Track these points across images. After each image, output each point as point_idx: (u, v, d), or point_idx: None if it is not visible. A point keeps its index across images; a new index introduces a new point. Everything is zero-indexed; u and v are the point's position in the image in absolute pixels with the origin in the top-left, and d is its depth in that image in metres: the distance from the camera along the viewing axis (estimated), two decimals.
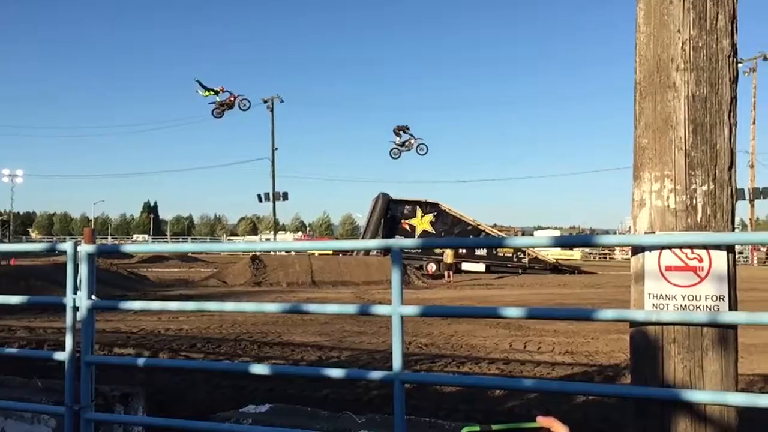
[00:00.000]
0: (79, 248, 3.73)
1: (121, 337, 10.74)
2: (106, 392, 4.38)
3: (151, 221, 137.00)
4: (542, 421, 1.51)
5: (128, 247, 4.61)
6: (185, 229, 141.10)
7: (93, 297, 3.72)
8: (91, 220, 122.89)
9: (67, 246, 3.75)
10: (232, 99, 43.12)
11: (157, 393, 6.23)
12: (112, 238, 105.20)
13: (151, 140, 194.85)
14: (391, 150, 38.25)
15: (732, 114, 2.70)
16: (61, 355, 3.82)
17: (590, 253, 63.23)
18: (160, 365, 7.16)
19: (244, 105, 43.47)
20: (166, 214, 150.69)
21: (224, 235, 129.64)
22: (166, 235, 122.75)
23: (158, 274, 28.90)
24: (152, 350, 9.57)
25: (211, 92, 42.96)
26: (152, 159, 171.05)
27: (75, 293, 3.72)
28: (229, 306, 3.95)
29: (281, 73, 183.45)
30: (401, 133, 38.92)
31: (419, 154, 39.00)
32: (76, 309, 3.73)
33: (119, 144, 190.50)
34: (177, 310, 6.02)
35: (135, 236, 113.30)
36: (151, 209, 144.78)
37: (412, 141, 38.75)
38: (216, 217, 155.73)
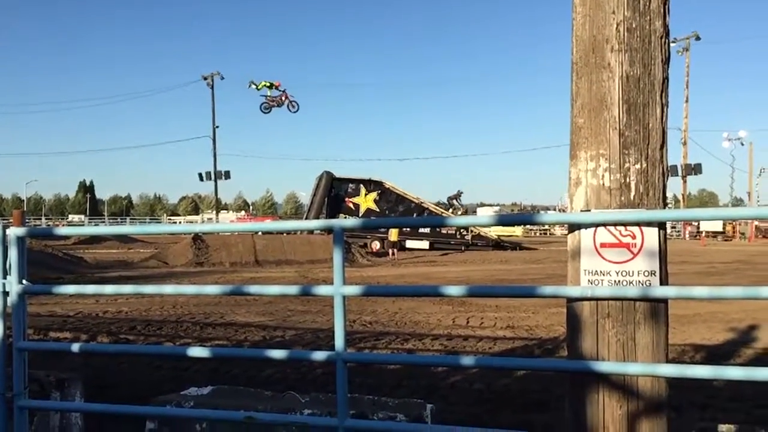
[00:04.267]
0: (8, 231, 3.60)
1: (57, 321, 10.44)
2: (41, 378, 4.27)
3: (88, 201, 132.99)
4: None
5: (62, 230, 4.47)
6: (124, 209, 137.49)
7: (24, 281, 3.60)
8: (23, 201, 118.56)
9: None
10: (283, 98, 41.97)
11: (96, 377, 6.09)
12: (47, 219, 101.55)
13: (88, 117, 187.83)
14: None
15: (664, 94, 2.77)
16: None
17: (531, 230, 64.67)
18: (97, 350, 7.00)
19: (293, 107, 42.52)
20: (103, 193, 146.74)
21: (164, 214, 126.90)
22: (104, 215, 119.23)
23: (96, 255, 28.12)
24: (90, 333, 9.32)
25: (266, 85, 41.69)
26: (88, 137, 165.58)
27: (5, 278, 3.60)
28: (168, 289, 3.89)
29: (222, 50, 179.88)
30: (453, 201, 42.64)
31: None
32: (6, 294, 3.60)
33: (53, 121, 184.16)
34: (114, 293, 5.81)
35: (71, 217, 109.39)
36: (87, 189, 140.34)
37: (458, 212, 41.81)
38: (156, 197, 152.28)
